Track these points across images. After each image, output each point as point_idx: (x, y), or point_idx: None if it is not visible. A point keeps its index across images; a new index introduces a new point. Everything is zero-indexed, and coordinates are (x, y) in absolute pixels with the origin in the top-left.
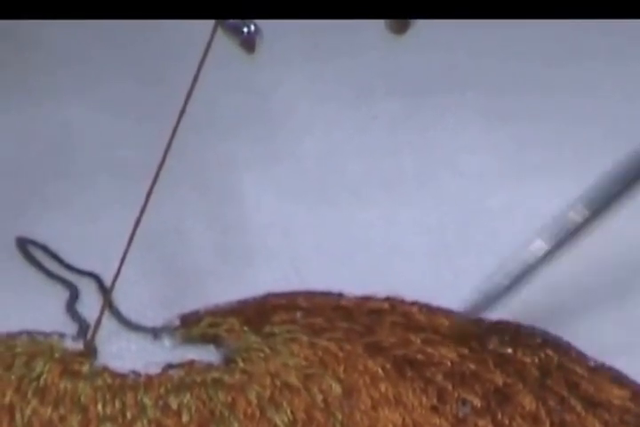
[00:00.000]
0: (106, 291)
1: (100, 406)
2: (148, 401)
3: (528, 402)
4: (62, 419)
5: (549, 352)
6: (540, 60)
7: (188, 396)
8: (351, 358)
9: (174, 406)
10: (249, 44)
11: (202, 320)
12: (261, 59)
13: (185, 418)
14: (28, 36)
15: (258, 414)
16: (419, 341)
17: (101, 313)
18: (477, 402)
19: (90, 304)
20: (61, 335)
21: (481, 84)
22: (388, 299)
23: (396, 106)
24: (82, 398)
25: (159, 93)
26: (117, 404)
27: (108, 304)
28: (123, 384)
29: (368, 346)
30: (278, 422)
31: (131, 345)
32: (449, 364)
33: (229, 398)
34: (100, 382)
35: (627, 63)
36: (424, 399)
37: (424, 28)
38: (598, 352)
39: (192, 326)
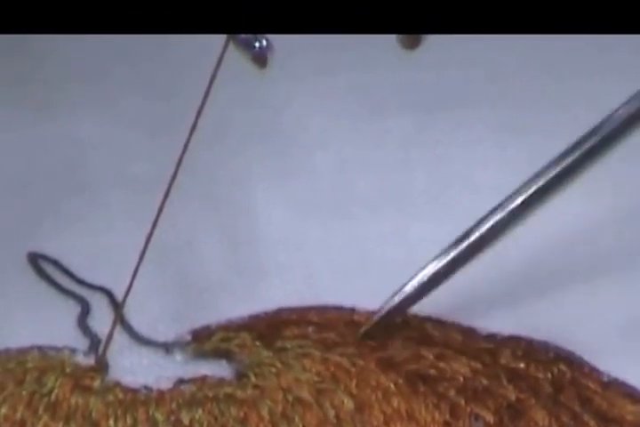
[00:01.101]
0: (117, 305)
1: (111, 422)
2: (159, 417)
3: (541, 418)
4: None
5: (562, 367)
6: (554, 74)
7: (199, 411)
8: (363, 374)
9: (186, 421)
10: (261, 59)
11: (214, 335)
12: (273, 74)
13: None
14: (40, 50)
15: None
16: (431, 356)
17: (113, 328)
18: (490, 418)
19: (101, 319)
20: (73, 350)
21: (494, 99)
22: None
23: (409, 121)
24: (93, 414)
25: (171, 108)
26: (129, 419)
27: (120, 319)
28: (134, 399)
29: (380, 361)
30: None
31: (142, 360)
32: (461, 379)
33: (241, 414)
34: (111, 397)
35: None
36: (437, 415)
37: (436, 43)
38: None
39: (204, 341)
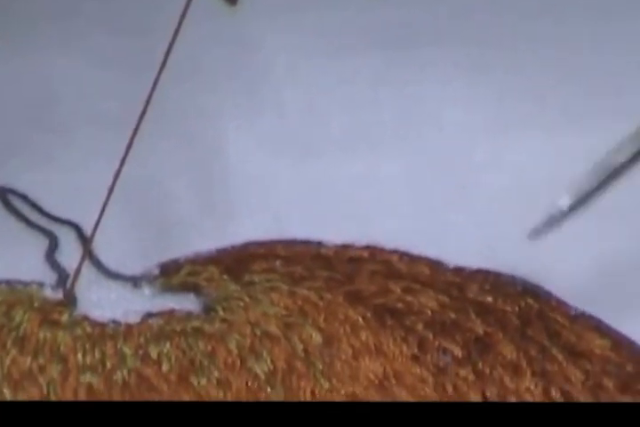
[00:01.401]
0: (85, 240)
1: (79, 356)
2: (127, 350)
3: (509, 351)
4: (42, 369)
5: (530, 301)
6: (524, 12)
7: (167, 345)
8: (331, 307)
9: (154, 355)
10: None
11: (181, 269)
12: (244, 11)
13: (165, 367)
14: None
15: (238, 363)
16: (399, 289)
17: (81, 263)
18: (458, 351)
19: (69, 254)
20: (41, 285)
21: (464, 38)
22: (367, 247)
23: (378, 60)
24: (61, 348)
25: (142, 45)
26: (97, 353)
27: (88, 253)
28: (102, 334)
29: (348, 295)
30: (258, 372)
31: (110, 294)
32: (429, 313)
33: (209, 348)
34: (79, 331)
35: (613, 18)
36: (405, 349)
37: None
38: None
39: (171, 275)
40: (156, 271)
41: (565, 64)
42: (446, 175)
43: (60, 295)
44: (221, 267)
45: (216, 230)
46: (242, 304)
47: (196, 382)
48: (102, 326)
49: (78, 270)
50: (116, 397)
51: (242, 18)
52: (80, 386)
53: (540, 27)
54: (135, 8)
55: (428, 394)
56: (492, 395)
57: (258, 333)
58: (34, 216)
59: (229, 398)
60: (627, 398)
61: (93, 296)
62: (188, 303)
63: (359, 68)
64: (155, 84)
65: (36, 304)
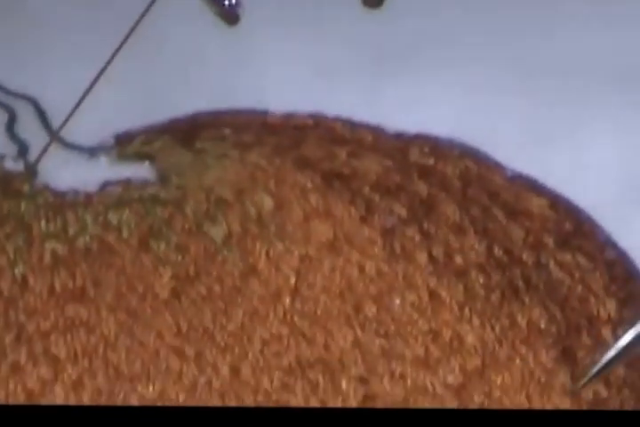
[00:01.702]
0: (43, 113)
1: (42, 224)
2: (88, 218)
3: (452, 212)
4: (8, 237)
5: (468, 163)
6: None
7: (126, 212)
8: (280, 173)
9: (114, 222)
10: (231, 15)
11: (135, 139)
12: None
13: (125, 234)
14: None
15: (194, 228)
16: (344, 154)
17: (49, 143)
18: (403, 212)
19: (28, 127)
20: (1, 157)
21: None
22: (311, 115)
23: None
24: (25, 217)
25: None
26: (59, 221)
27: (46, 126)
28: (63, 202)
29: (296, 161)
30: (214, 236)
31: (69, 164)
32: (374, 176)
33: (166, 214)
34: (41, 200)
35: None
36: (353, 211)
37: None
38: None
39: (126, 145)
40: (112, 142)
41: None
42: (388, 38)
43: (21, 167)
44: (173, 136)
45: (166, 102)
46: (195, 171)
47: (155, 247)
48: (63, 194)
49: (45, 150)
50: (80, 262)
51: None
52: (45, 252)
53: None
54: None
55: (377, 254)
56: (438, 253)
57: (212, 198)
58: None
59: (188, 262)
60: (566, 254)
61: (52, 167)
62: (143, 172)
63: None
64: None
65: None
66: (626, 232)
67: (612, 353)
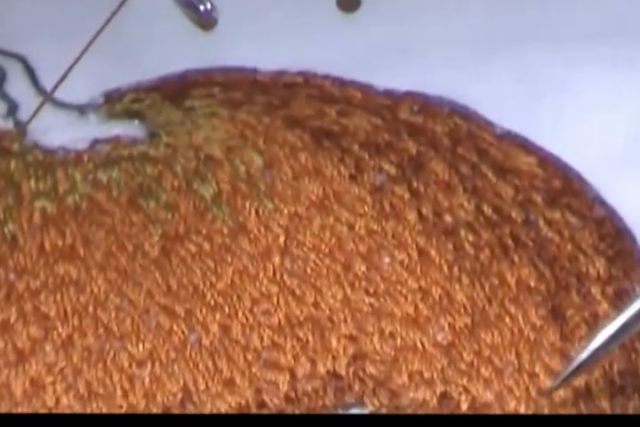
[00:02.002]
0: (32, 72)
1: (32, 183)
2: (78, 176)
3: (441, 170)
4: None
5: (458, 121)
6: None
7: (116, 170)
8: (270, 131)
9: (104, 180)
10: (208, 21)
11: (125, 96)
12: None
13: (115, 192)
14: None
15: (184, 186)
16: (333, 112)
17: (45, 99)
18: (393, 171)
19: (17, 85)
20: None
21: None
22: (301, 73)
23: None
24: (15, 175)
25: None
26: (49, 179)
27: (36, 85)
28: (53, 160)
29: (285, 119)
30: (204, 194)
31: (58, 122)
32: (364, 134)
33: (156, 172)
34: (30, 158)
35: None
36: (342, 169)
37: None
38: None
39: (115, 103)
40: (101, 100)
41: None
42: None
43: (10, 125)
44: (163, 94)
45: (157, 58)
46: (184, 129)
47: (145, 205)
48: (52, 152)
49: (38, 109)
50: (70, 221)
51: None
52: (35, 211)
53: None
54: None
55: (367, 212)
56: (428, 212)
57: (202, 156)
58: None
59: (177, 220)
60: (555, 213)
61: (42, 125)
62: (132, 130)
63: None
64: None
65: None
66: (615, 189)
67: (584, 355)
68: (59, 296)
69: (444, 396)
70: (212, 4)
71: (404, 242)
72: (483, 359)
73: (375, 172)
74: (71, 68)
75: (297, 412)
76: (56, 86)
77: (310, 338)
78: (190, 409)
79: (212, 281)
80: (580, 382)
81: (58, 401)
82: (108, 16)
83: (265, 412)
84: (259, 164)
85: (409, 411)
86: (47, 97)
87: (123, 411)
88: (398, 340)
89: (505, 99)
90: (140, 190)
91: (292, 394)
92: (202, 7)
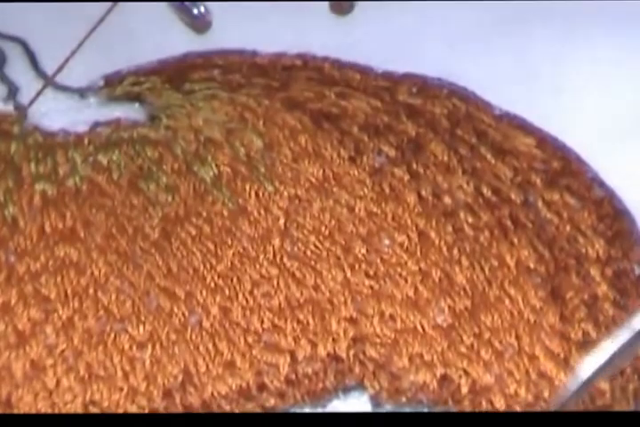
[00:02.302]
0: (32, 55)
1: (32, 165)
2: (78, 158)
3: (440, 151)
4: None
5: (457, 102)
6: None
7: (116, 153)
8: (270, 113)
9: (104, 162)
10: (203, 24)
11: (125, 79)
12: None
13: (115, 174)
14: None
15: (184, 168)
16: (332, 95)
17: (46, 82)
18: (392, 152)
19: (17, 68)
20: None
21: None
22: (300, 55)
23: None
24: (15, 158)
25: None
26: (49, 162)
27: (36, 68)
28: (53, 143)
29: (285, 101)
30: (204, 176)
31: (58, 105)
32: (363, 116)
33: (156, 154)
34: (31, 141)
35: None
36: (342, 151)
37: None
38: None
39: (116, 86)
40: (101, 83)
41: None
42: None
43: (10, 108)
44: (162, 77)
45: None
46: (184, 112)
47: (145, 188)
48: (53, 135)
49: (40, 92)
50: (70, 202)
51: None
52: (35, 194)
53: None
54: None
55: (366, 194)
56: (427, 194)
57: (201, 139)
58: None
59: (178, 202)
60: (554, 194)
61: (42, 108)
62: (133, 112)
63: None
64: None
65: None
66: (614, 170)
67: (574, 385)
68: (59, 278)
69: (445, 378)
70: (205, 8)
71: (403, 224)
72: (483, 342)
73: (374, 154)
74: (74, 53)
75: (297, 394)
76: (58, 70)
77: (310, 320)
78: (191, 391)
79: (213, 263)
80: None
81: (58, 383)
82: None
83: (265, 394)
84: (258, 146)
85: (409, 394)
86: (48, 80)
87: (123, 393)
88: (398, 322)
89: (503, 80)
90: (141, 173)
91: (293, 376)
92: (195, 10)
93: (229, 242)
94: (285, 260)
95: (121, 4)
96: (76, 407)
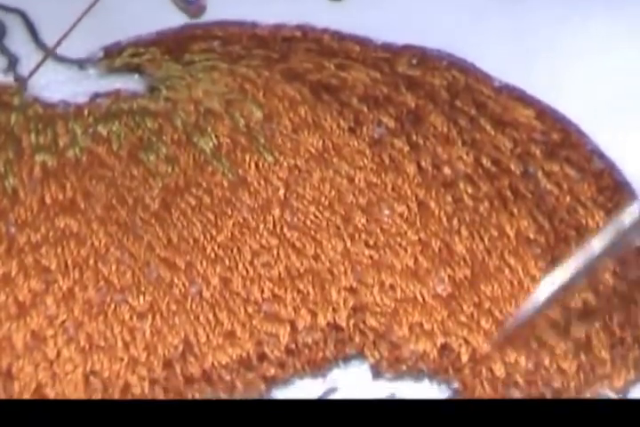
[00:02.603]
0: (32, 26)
1: (32, 136)
2: (78, 129)
3: (440, 123)
4: None
5: (456, 74)
6: None
7: (116, 124)
8: (269, 84)
9: (104, 133)
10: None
11: (124, 51)
12: None
13: (115, 146)
14: None
15: (184, 139)
16: (332, 66)
17: (46, 54)
18: (392, 124)
19: (17, 40)
20: None
21: None
22: (299, 27)
23: None
24: (15, 129)
25: None
26: (49, 133)
27: (35, 39)
28: (53, 114)
29: (284, 72)
30: (204, 147)
31: (58, 76)
32: (362, 87)
33: (156, 125)
34: (31, 112)
35: None
36: (341, 122)
37: None
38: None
39: (115, 57)
40: (101, 54)
41: None
42: None
43: (10, 79)
44: (162, 48)
45: (153, 15)
46: (184, 83)
47: (145, 159)
48: (53, 106)
49: (39, 65)
50: (70, 174)
51: None
52: (35, 165)
53: None
54: None
55: (366, 165)
56: (427, 164)
57: (201, 110)
58: None
59: (177, 173)
60: (554, 165)
61: (42, 79)
62: (132, 84)
63: None
64: None
65: None
66: (613, 142)
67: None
68: (59, 249)
69: (445, 348)
70: None
71: (403, 194)
72: (483, 311)
73: (374, 125)
74: (75, 25)
75: (297, 364)
76: (59, 42)
77: (310, 290)
78: (191, 361)
79: (213, 234)
80: (580, 333)
81: (59, 354)
82: None
83: (266, 364)
84: (258, 117)
85: (409, 363)
86: (48, 52)
87: (124, 363)
88: (398, 292)
89: (503, 51)
90: (141, 144)
91: (293, 346)
92: None
93: (229, 212)
94: (285, 230)
95: None
96: (76, 378)
